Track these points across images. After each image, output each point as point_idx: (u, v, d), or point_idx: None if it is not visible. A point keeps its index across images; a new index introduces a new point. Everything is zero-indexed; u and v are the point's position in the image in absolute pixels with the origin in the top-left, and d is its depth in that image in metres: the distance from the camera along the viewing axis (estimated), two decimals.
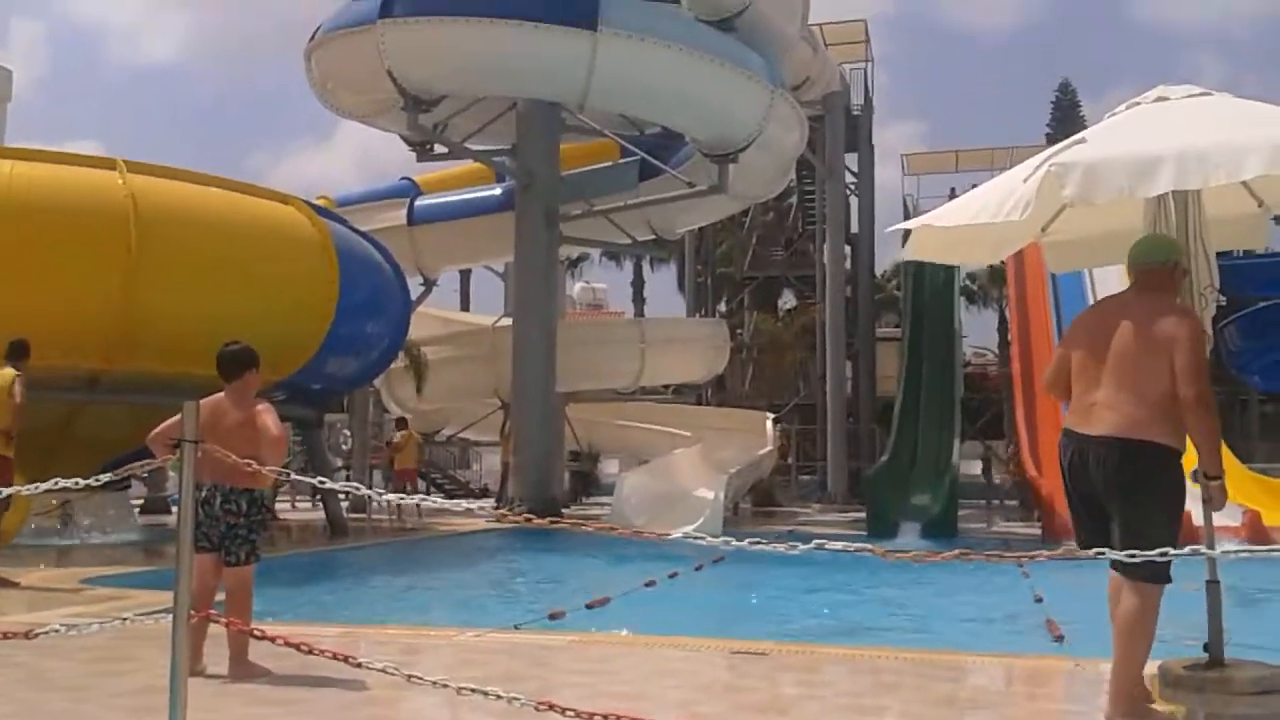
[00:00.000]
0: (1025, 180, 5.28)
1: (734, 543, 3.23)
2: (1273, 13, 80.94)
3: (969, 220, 5.55)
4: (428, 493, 23.90)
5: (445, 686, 3.28)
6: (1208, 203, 5.71)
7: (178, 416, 3.86)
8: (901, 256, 29.68)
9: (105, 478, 3.61)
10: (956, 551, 3.09)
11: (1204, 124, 5.29)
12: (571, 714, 3.28)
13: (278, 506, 19.38)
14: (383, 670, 3.29)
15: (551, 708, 3.28)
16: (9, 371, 9.23)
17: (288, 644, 3.38)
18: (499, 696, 3.25)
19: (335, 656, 3.34)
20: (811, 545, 3.17)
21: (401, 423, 21.84)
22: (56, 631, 3.42)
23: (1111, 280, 24.58)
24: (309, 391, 15.18)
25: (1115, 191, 5.01)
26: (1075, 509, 4.67)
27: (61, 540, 12.79)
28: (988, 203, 5.54)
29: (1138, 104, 5.85)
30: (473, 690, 3.24)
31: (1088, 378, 4.66)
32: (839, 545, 3.17)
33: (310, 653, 3.33)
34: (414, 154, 21.24)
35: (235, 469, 4.61)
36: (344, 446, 28.06)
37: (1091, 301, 23.13)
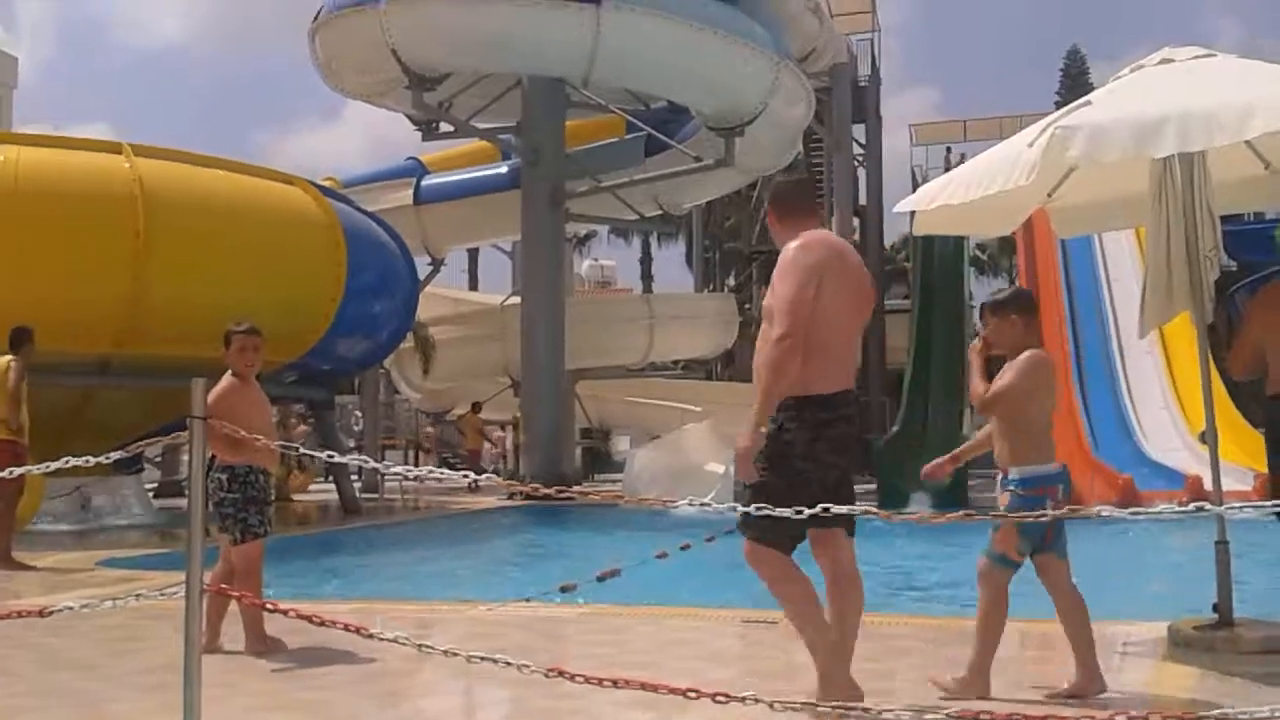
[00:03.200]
0: (1030, 144, 5.27)
1: (739, 509, 3.25)
2: None
3: (979, 194, 5.54)
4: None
5: (456, 655, 3.31)
6: (1214, 166, 5.70)
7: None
8: (910, 228, 29.57)
9: (115, 455, 3.64)
10: (961, 513, 3.11)
11: (1208, 85, 5.29)
12: (581, 680, 3.32)
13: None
14: (394, 641, 3.32)
15: (561, 674, 3.31)
16: (4, 359, 9.28)
17: (300, 616, 3.41)
18: (509, 664, 3.28)
19: (348, 629, 3.37)
20: (816, 510, 3.19)
21: (476, 406, 22.49)
22: (70, 610, 3.46)
23: (1123, 249, 24.58)
24: (319, 372, 15.25)
25: (1120, 152, 5.01)
26: None
27: (77, 524, 12.90)
28: (994, 170, 5.53)
29: (1142, 66, 5.84)
30: (483, 659, 3.27)
31: None
32: (844, 509, 3.18)
33: (323, 625, 3.37)
34: (419, 133, 21.23)
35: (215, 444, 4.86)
36: (355, 427, 28.22)
37: (1101, 269, 23.22)
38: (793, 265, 4.00)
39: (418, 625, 6.32)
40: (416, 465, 21.64)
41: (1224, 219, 5.87)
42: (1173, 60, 5.65)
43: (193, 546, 3.36)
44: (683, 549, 10.58)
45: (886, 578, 9.74)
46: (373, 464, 3.86)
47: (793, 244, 4.09)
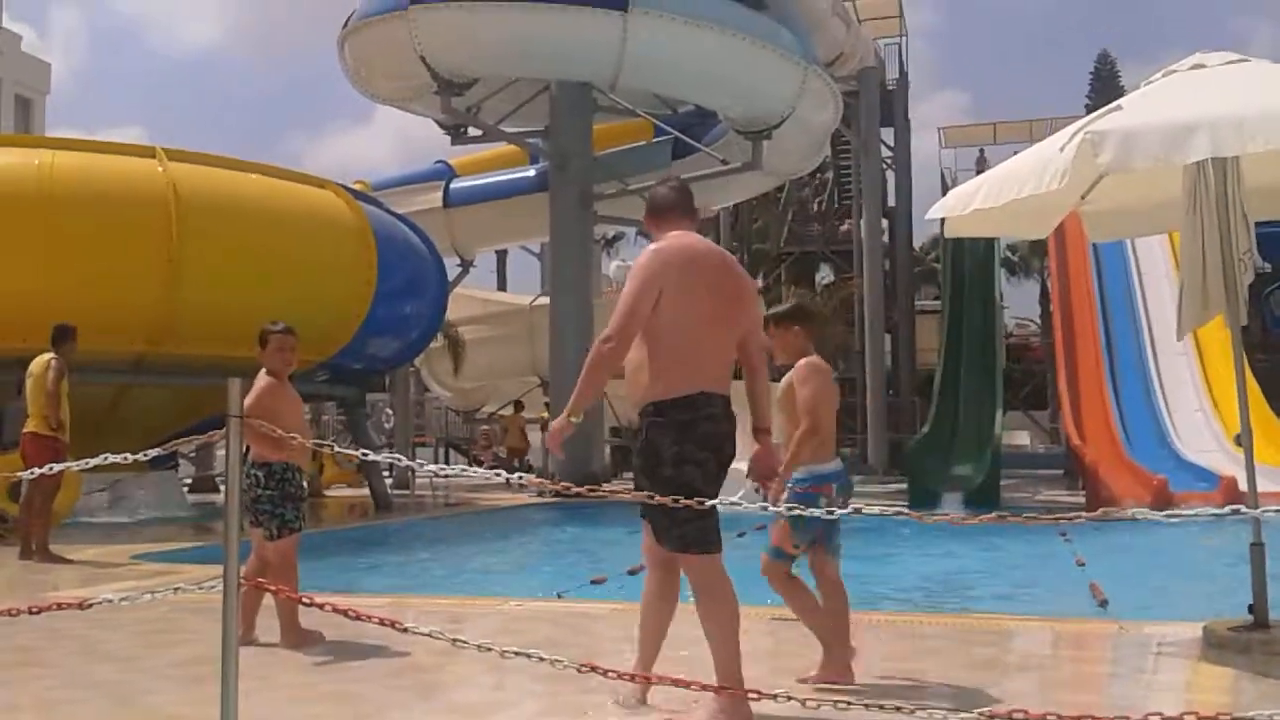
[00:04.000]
0: (1061, 149, 5.26)
1: (770, 507, 3.27)
2: None
3: (1010, 197, 5.53)
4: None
5: (489, 650, 3.34)
6: (1249, 170, 5.67)
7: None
8: (941, 230, 29.48)
9: (153, 452, 3.70)
10: (995, 514, 3.11)
11: (1241, 91, 5.26)
12: (614, 675, 3.35)
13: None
14: (429, 635, 3.36)
15: (594, 669, 3.34)
16: (44, 357, 9.42)
17: (336, 610, 3.46)
18: (542, 659, 3.31)
19: (383, 623, 3.41)
20: (849, 510, 3.21)
21: (518, 405, 22.62)
22: (109, 602, 3.51)
23: (1155, 249, 24.38)
24: (350, 371, 15.37)
25: (1150, 159, 4.99)
26: None
27: (113, 519, 13.08)
28: (1025, 174, 5.53)
29: (1174, 71, 5.81)
30: (516, 653, 3.31)
31: None
32: (876, 509, 3.20)
33: (358, 619, 3.41)
34: (449, 137, 21.35)
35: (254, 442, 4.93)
36: (386, 425, 28.36)
37: (1134, 270, 23.04)
38: (638, 269, 4.01)
39: (450, 620, 6.37)
40: (448, 462, 21.77)
41: (1257, 222, 5.83)
42: (1205, 65, 5.62)
43: (229, 541, 3.41)
44: None
45: (918, 578, 9.73)
46: (405, 461, 3.89)
47: (648, 248, 4.11)
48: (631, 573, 8.75)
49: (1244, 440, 6.09)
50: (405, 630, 3.42)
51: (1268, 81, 5.43)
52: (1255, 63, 5.66)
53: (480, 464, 24.86)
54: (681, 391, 3.95)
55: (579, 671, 3.31)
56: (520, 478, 4.05)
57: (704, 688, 3.56)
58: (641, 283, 3.96)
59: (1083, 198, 6.42)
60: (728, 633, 3.89)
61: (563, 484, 3.90)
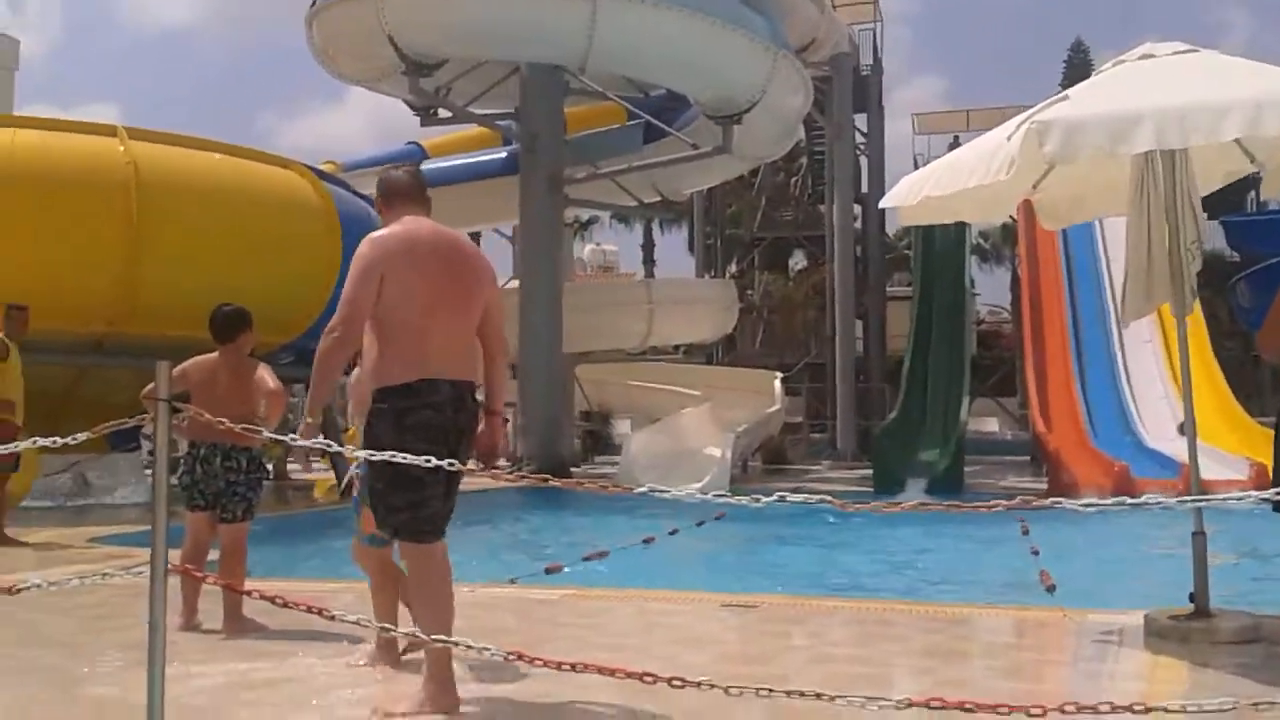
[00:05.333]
0: (1009, 138, 5.28)
1: (699, 495, 3.27)
2: None
3: (959, 187, 5.56)
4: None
5: (417, 637, 3.34)
6: (1199, 158, 5.70)
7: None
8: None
9: (81, 436, 3.67)
10: (916, 501, 3.12)
11: (1186, 82, 5.27)
12: (540, 664, 3.35)
13: (289, 467, 19.56)
14: (355, 623, 3.36)
15: (520, 658, 3.34)
16: None
17: (264, 597, 3.45)
18: (470, 646, 3.31)
19: (310, 609, 3.40)
20: (774, 498, 3.21)
21: None
22: (38, 587, 3.50)
23: (1123, 234, 24.36)
24: (314, 354, 15.27)
25: (1094, 150, 5.02)
26: None
27: (73, 501, 12.99)
28: (973, 164, 5.55)
29: (1123, 61, 5.83)
30: (444, 641, 3.30)
31: None
32: (799, 498, 3.20)
33: (285, 606, 3.40)
34: (418, 119, 21.23)
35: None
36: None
37: (1102, 256, 23.15)
38: (357, 259, 3.99)
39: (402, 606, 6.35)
40: None
41: (1229, 212, 5.87)
42: (1153, 55, 5.64)
43: (157, 526, 3.40)
44: (671, 533, 10.65)
45: (876, 564, 9.80)
46: (336, 447, 3.86)
47: (368, 236, 4.07)
48: (587, 559, 8.80)
49: (1187, 429, 6.15)
50: (333, 618, 3.41)
51: (1215, 73, 5.45)
52: (1204, 53, 5.68)
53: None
54: (402, 379, 3.93)
55: (505, 660, 3.32)
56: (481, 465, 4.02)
57: (629, 675, 3.55)
58: (361, 271, 3.93)
59: (1034, 186, 6.46)
60: (437, 624, 3.83)
61: (518, 473, 3.90)
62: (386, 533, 4.02)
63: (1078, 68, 46.49)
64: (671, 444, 19.07)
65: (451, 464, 3.62)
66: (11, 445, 4.10)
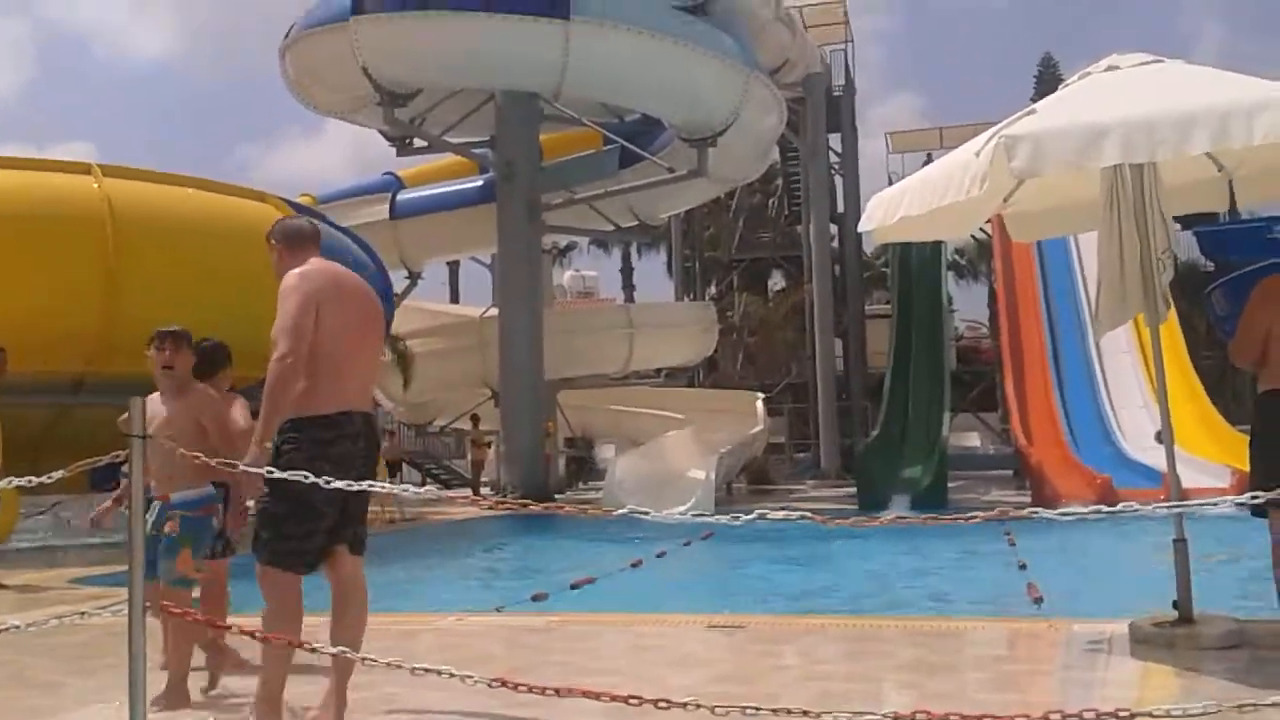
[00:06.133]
0: (978, 154, 5.30)
1: (679, 516, 3.28)
2: None
3: (934, 204, 5.58)
4: (423, 483, 24.01)
5: (399, 668, 3.33)
6: (1166, 168, 5.74)
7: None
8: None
9: (58, 474, 3.66)
10: (893, 515, 3.14)
11: (1154, 94, 5.28)
12: (524, 689, 3.34)
13: None
14: (336, 654, 3.34)
15: (504, 684, 3.33)
16: None
17: (243, 632, 3.44)
18: (453, 675, 3.30)
19: (290, 644, 3.39)
20: (754, 516, 3.22)
21: (475, 419, 24.07)
22: (17, 629, 3.47)
23: (1096, 245, 24.54)
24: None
25: (1062, 165, 5.05)
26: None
27: (53, 541, 12.87)
28: (945, 180, 5.56)
29: (1089, 74, 5.87)
30: (426, 670, 3.29)
31: None
32: (779, 514, 3.21)
33: (265, 640, 3.39)
34: (394, 149, 21.28)
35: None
36: None
37: (1078, 269, 23.31)
38: (294, 291, 4.12)
39: (387, 637, 6.31)
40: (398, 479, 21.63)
41: (1203, 220, 5.95)
42: (1119, 67, 5.68)
43: (134, 563, 3.38)
44: (659, 556, 10.63)
45: (862, 581, 9.79)
46: (311, 478, 3.83)
47: (294, 271, 4.22)
48: (574, 586, 8.77)
49: (1164, 437, 6.19)
50: (315, 650, 3.40)
51: (1180, 84, 5.48)
52: (1169, 63, 5.72)
53: (481, 466, 24.82)
54: (323, 410, 4.06)
55: (490, 687, 3.31)
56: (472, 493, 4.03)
57: (614, 698, 3.55)
58: (302, 298, 4.09)
59: (1005, 200, 6.50)
60: (278, 655, 3.90)
61: (500, 500, 3.89)
62: (260, 556, 4.02)
63: (1047, 83, 46.74)
64: (656, 467, 19.05)
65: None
66: (2, 482, 4.07)
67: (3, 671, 5.40)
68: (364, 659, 3.34)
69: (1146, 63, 5.70)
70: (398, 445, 26.93)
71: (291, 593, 3.99)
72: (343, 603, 4.11)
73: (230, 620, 4.59)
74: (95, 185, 12.45)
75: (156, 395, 5.36)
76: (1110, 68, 5.72)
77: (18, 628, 3.51)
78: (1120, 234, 5.68)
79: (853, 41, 33.99)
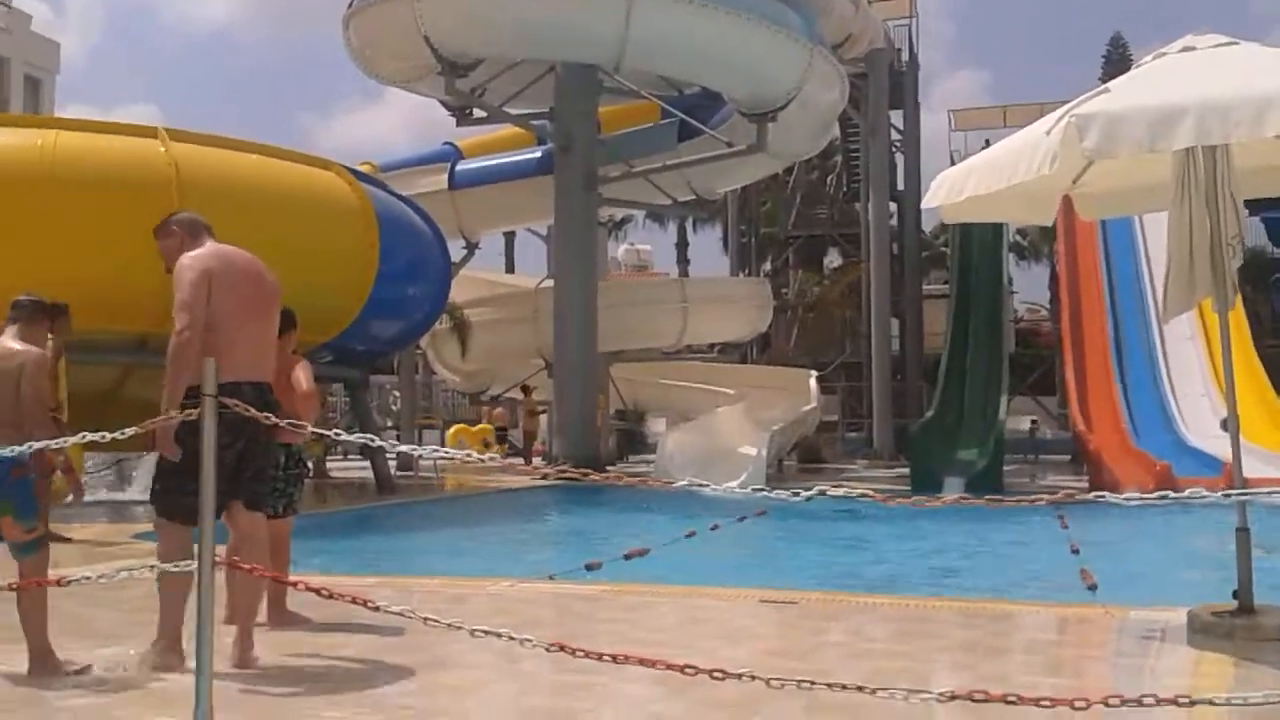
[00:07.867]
0: (1048, 133, 5.24)
1: (738, 490, 3.30)
2: None
3: (1003, 183, 5.52)
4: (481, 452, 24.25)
5: (459, 629, 3.38)
6: (1237, 151, 5.63)
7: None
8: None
9: (129, 431, 3.74)
10: (955, 495, 3.12)
11: (1229, 75, 5.20)
12: (581, 654, 3.38)
13: (330, 465, 19.75)
14: (399, 614, 3.40)
15: (563, 649, 3.37)
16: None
17: (309, 589, 3.51)
18: (512, 638, 3.34)
19: (355, 601, 3.45)
20: (814, 492, 3.23)
21: (526, 389, 24.22)
22: (87, 579, 3.57)
23: (1163, 230, 24.11)
24: (353, 353, 15.41)
25: (1134, 146, 4.97)
26: None
27: (118, 496, 13.18)
28: (1014, 159, 5.51)
29: (1164, 54, 5.77)
30: (486, 632, 3.34)
31: None
32: (840, 492, 3.22)
33: (331, 598, 3.46)
34: (453, 118, 21.37)
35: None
36: (393, 407, 28.41)
37: (1142, 253, 22.92)
38: (185, 270, 4.63)
39: (442, 600, 6.41)
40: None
41: (1271, 205, 5.83)
42: (1194, 48, 5.58)
43: (204, 520, 3.45)
44: (712, 529, 10.65)
45: (914, 561, 9.77)
46: (392, 444, 3.91)
47: (187, 254, 4.71)
48: (627, 557, 8.82)
49: (1230, 424, 6.09)
50: (378, 609, 3.46)
51: (1256, 65, 5.38)
52: (1244, 45, 5.61)
53: (533, 436, 24.98)
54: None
55: (548, 651, 3.35)
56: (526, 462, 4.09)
57: (670, 667, 3.58)
58: (195, 276, 4.59)
59: (1074, 181, 6.41)
60: (173, 598, 4.47)
61: (561, 471, 3.93)
62: (155, 507, 4.65)
63: (1116, 63, 45.98)
64: (706, 442, 19.06)
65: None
66: (60, 440, 4.23)
67: (69, 623, 5.54)
68: (426, 619, 3.39)
69: (1222, 44, 5.60)
70: (504, 415, 27.46)
71: (176, 542, 4.50)
72: (235, 553, 4.55)
73: (293, 577, 4.67)
74: (162, 149, 12.60)
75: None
76: (1186, 49, 5.63)
77: (88, 578, 3.61)
78: (1191, 217, 5.58)
79: (917, 16, 33.63)
